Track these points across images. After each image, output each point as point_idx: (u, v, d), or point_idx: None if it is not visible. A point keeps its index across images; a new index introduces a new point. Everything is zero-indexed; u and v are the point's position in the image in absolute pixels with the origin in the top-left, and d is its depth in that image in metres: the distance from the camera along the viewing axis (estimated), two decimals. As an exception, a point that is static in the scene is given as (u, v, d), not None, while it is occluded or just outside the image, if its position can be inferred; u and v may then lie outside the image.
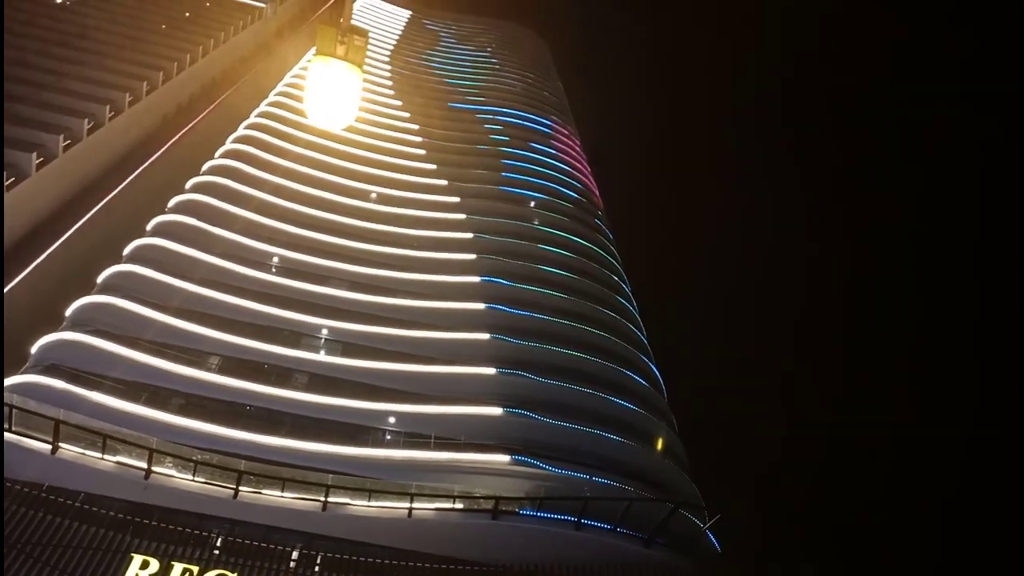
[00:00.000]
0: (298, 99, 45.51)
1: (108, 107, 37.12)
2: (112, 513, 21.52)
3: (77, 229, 32.75)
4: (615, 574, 22.71)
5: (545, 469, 26.83)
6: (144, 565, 20.20)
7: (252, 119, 44.71)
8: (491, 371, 30.48)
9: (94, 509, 21.45)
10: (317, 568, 21.46)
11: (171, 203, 35.49)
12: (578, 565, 22.93)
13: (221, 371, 27.94)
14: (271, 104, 47.09)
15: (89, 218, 33.56)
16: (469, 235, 39.05)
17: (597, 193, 50.55)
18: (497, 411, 28.83)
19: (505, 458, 26.97)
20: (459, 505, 25.17)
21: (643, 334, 37.46)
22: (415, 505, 24.55)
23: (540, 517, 25.18)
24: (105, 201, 34.63)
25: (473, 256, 37.38)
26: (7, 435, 22.29)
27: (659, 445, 30.13)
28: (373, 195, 40.99)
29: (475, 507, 25.15)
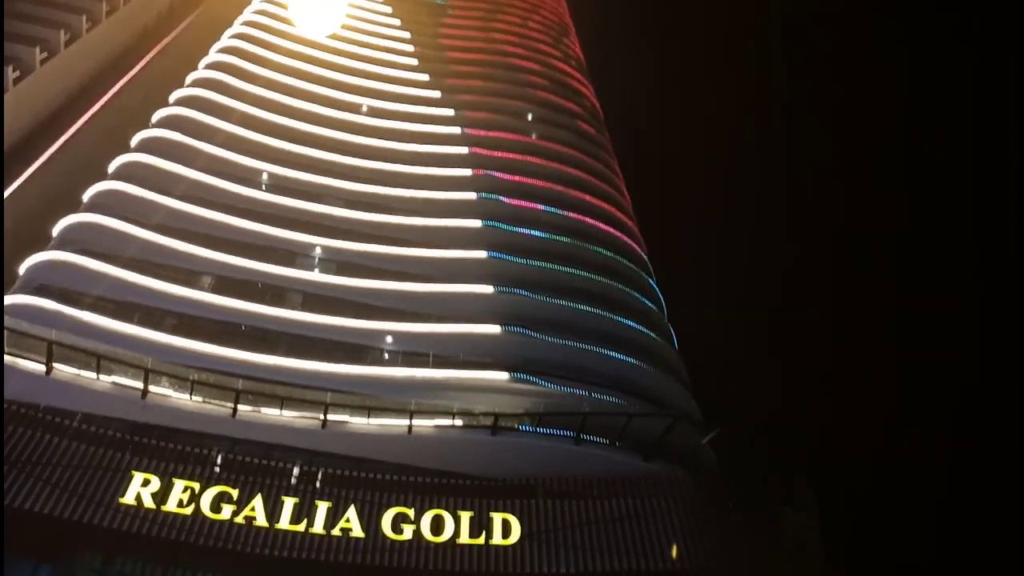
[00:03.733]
0: (284, 6, 43.69)
1: (84, 17, 35.61)
2: (111, 433, 21.42)
3: (60, 146, 31.89)
4: (614, 487, 22.88)
5: (544, 386, 26.86)
6: (145, 483, 20.24)
7: (237, 28, 43.03)
8: (489, 289, 30.19)
9: (92, 429, 21.33)
10: (318, 484, 21.57)
11: (155, 118, 34.42)
12: (577, 479, 23.08)
13: (214, 290, 27.56)
14: (257, 12, 45.21)
15: (72, 134, 32.63)
16: (464, 150, 38.12)
17: (599, 106, 49.15)
18: (496, 329, 28.65)
19: (504, 375, 26.93)
20: (458, 422, 25.24)
21: (644, 251, 37.06)
22: (415, 422, 24.59)
23: (539, 433, 25.32)
24: (87, 116, 33.60)
25: (469, 172, 36.54)
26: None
27: (659, 362, 30.09)
28: (364, 108, 39.84)
29: (474, 423, 25.23)
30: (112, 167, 31.24)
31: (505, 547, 20.85)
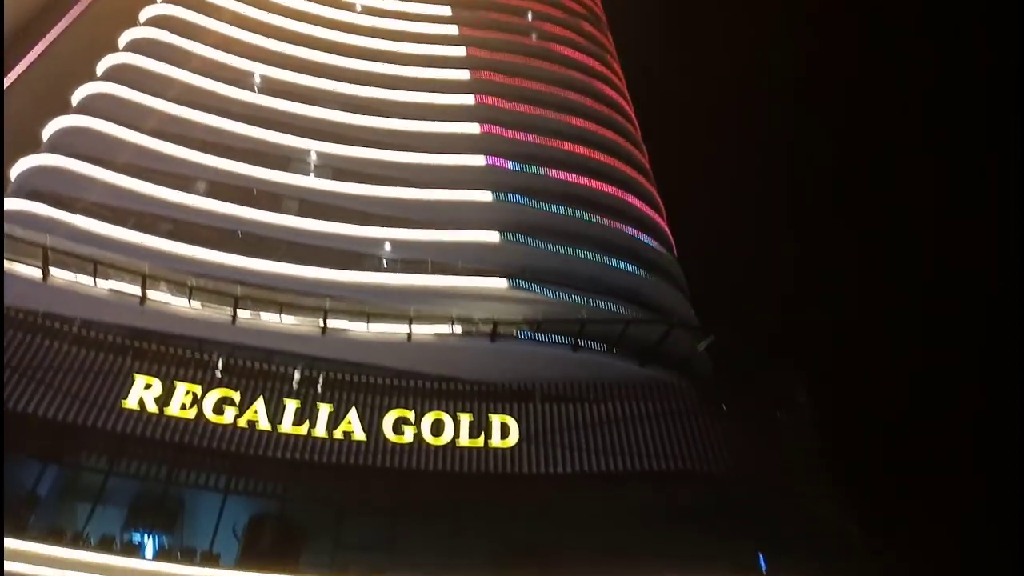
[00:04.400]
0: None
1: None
2: (111, 338, 21.51)
3: (48, 45, 30.99)
4: (610, 392, 23.19)
5: (542, 293, 26.89)
6: (147, 386, 20.45)
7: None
8: (488, 196, 29.87)
9: (92, 334, 21.41)
10: (319, 388, 21.80)
11: (144, 16, 33.33)
12: (574, 383, 23.36)
13: (209, 196, 27.26)
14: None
15: (60, 33, 31.67)
16: (463, 51, 37.05)
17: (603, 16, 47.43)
18: (494, 236, 28.49)
19: (502, 283, 26.93)
20: (457, 329, 25.39)
21: (644, 155, 36.50)
22: (414, 329, 24.72)
23: (537, 340, 25.50)
24: (75, 13, 32.54)
25: (467, 75, 35.60)
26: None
27: (657, 269, 30.05)
28: (358, 7, 38.54)
29: (473, 331, 25.39)
30: (101, 68, 30.44)
31: (503, 449, 21.26)
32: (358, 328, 24.76)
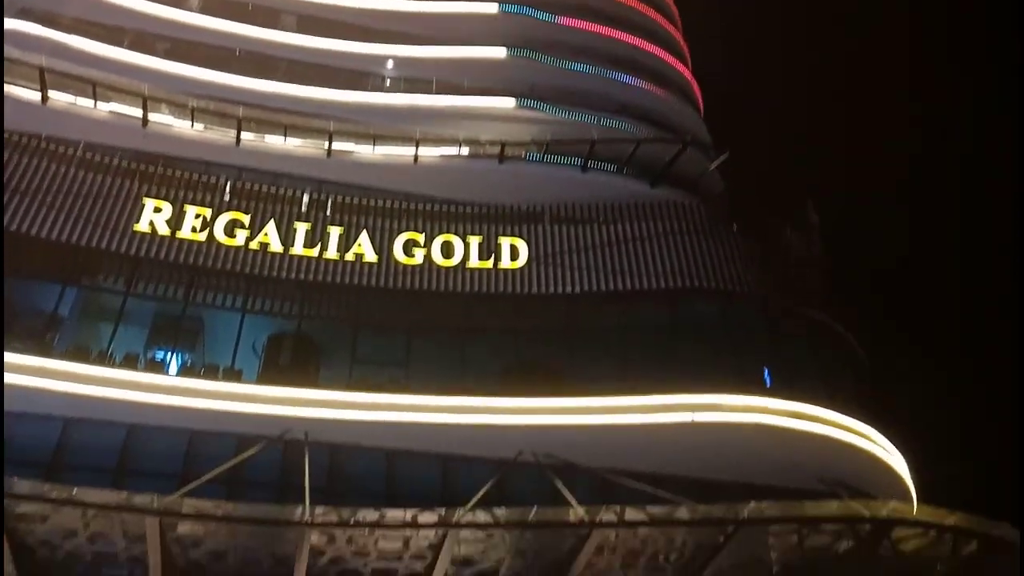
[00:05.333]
0: None
1: None
2: (116, 162, 21.31)
3: None
4: (619, 212, 23.12)
5: (551, 112, 26.21)
6: (157, 210, 20.51)
7: None
8: (493, 8, 28.47)
9: (97, 158, 21.18)
10: (328, 211, 21.80)
11: None
12: (583, 205, 23.25)
13: (203, 12, 26.09)
14: None
15: None
16: None
17: None
18: (501, 52, 27.41)
19: (510, 102, 26.20)
20: (464, 150, 24.99)
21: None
22: (420, 151, 24.35)
23: (546, 161, 25.13)
24: None
25: None
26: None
27: (670, 84, 29.08)
28: None
29: (481, 152, 25.00)
30: None
31: (513, 270, 21.51)
32: (364, 150, 24.41)
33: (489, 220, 22.46)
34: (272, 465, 17.44)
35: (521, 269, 21.51)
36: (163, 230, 20.20)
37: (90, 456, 16.75)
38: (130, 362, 18.21)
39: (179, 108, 23.37)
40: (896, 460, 20.27)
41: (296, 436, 17.44)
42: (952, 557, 15.95)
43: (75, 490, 13.79)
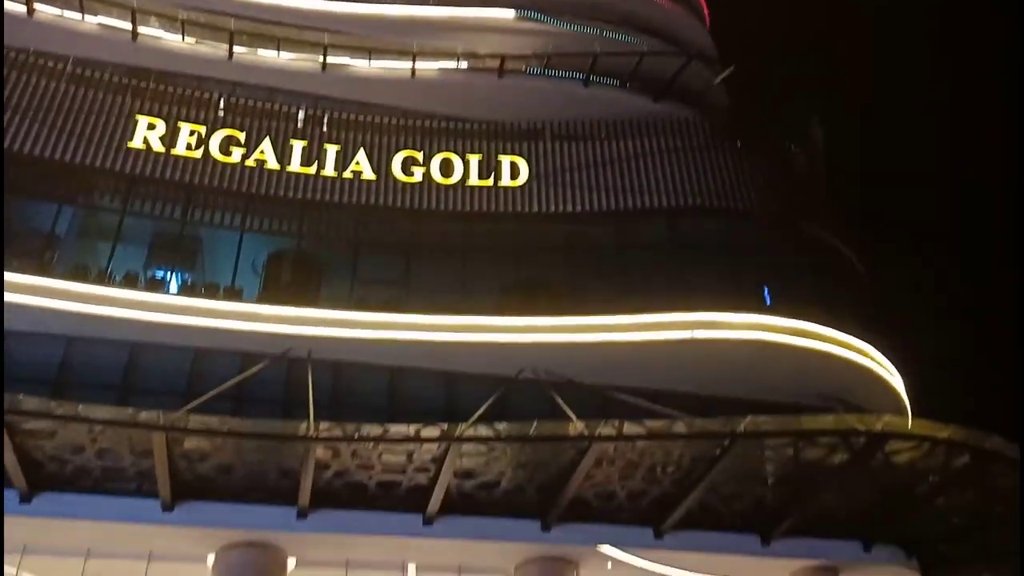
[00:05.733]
0: None
1: None
2: (107, 77, 20.82)
3: None
4: (622, 129, 22.76)
5: (552, 24, 25.51)
6: (151, 126, 20.16)
7: None
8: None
9: (87, 73, 20.69)
10: (324, 128, 21.43)
11: None
12: (585, 121, 22.87)
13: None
14: None
15: None
16: None
17: None
18: (499, -40, 26.47)
19: (509, 13, 25.47)
20: (463, 64, 24.43)
21: None
22: (418, 65, 23.82)
23: (547, 75, 24.60)
24: None
25: None
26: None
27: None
28: None
29: (480, 66, 24.44)
30: None
31: (513, 188, 21.30)
32: (360, 64, 23.86)
33: (489, 137, 22.11)
34: (276, 382, 17.66)
35: (521, 188, 21.30)
36: (157, 147, 19.89)
37: (95, 374, 16.92)
38: (130, 281, 18.17)
39: (169, 21, 22.74)
40: (893, 376, 20.52)
41: (299, 354, 17.61)
42: (944, 469, 16.31)
43: (80, 407, 13.95)
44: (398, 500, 16.16)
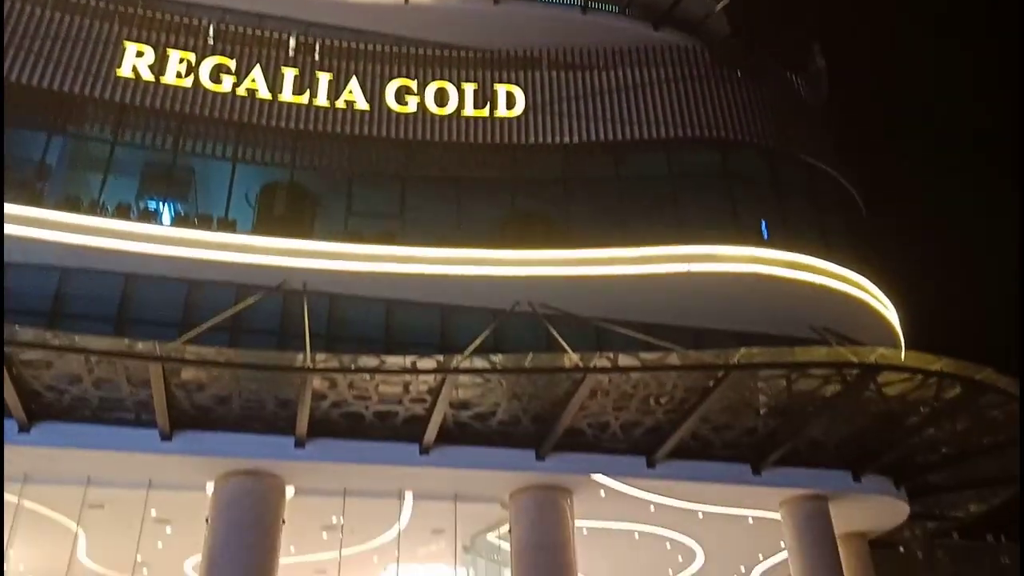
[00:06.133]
0: None
1: None
2: (93, 2, 20.26)
3: None
4: (621, 58, 22.29)
5: (550, -52, 24.72)
6: (139, 54, 19.71)
7: None
8: None
9: (72, -2, 20.13)
10: (316, 56, 20.97)
11: None
12: (583, 49, 22.38)
13: None
14: None
15: None
16: None
17: None
18: None
19: (506, -64, 24.66)
20: (459, -12, 23.78)
21: None
22: (412, -10, 23.20)
23: (544, 1, 23.97)
24: None
25: None
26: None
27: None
28: None
29: (476, -9, 23.79)
30: None
31: (509, 119, 20.95)
32: (353, -12, 23.23)
33: (484, 66, 21.66)
34: (272, 314, 17.69)
35: (518, 118, 20.96)
36: (147, 76, 19.48)
37: (90, 305, 16.90)
38: (122, 212, 18.00)
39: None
40: (888, 310, 20.58)
41: (294, 286, 17.58)
42: (935, 400, 16.50)
43: (77, 337, 13.97)
44: (395, 430, 16.36)
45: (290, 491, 16.55)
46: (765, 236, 20.16)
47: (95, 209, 17.85)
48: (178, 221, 18.69)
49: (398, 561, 17.96)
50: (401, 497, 17.47)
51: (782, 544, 18.95)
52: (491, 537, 18.97)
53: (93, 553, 18.89)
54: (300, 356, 14.67)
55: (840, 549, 18.37)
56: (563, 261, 18.70)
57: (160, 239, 17.48)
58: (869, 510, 19.23)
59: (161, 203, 19.04)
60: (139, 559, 17.35)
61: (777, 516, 18.59)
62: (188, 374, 14.91)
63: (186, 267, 17.45)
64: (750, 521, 19.19)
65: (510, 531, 17.27)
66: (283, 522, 16.12)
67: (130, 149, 19.35)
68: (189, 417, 15.59)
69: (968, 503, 22.76)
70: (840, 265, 19.61)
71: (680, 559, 21.73)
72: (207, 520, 15.76)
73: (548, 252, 18.75)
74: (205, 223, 18.35)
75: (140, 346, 14.02)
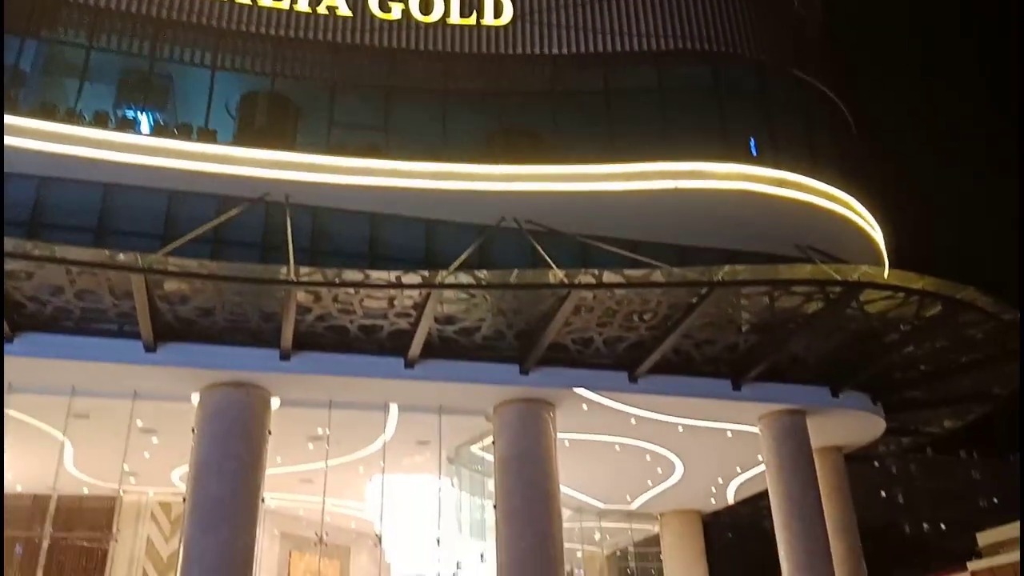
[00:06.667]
0: None
1: None
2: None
3: None
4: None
5: None
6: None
7: None
8: None
9: None
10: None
11: None
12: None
13: None
14: None
15: None
16: None
17: None
18: None
19: None
20: None
21: None
22: None
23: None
24: None
25: None
26: None
27: None
28: None
29: None
30: None
31: (497, 27, 20.36)
32: None
33: (472, -30, 20.92)
34: (255, 226, 17.48)
35: (505, 27, 20.38)
36: (122, -23, 18.73)
37: (70, 216, 16.60)
38: (100, 120, 17.54)
39: None
40: (874, 230, 20.58)
41: (276, 199, 17.35)
42: (916, 318, 16.67)
43: (57, 248, 13.82)
44: (380, 344, 16.44)
45: (275, 403, 16.71)
46: (754, 153, 19.93)
47: (72, 117, 17.38)
48: (157, 130, 18.25)
49: (383, 471, 18.30)
50: (386, 409, 17.70)
51: (759, 457, 19.42)
52: (475, 449, 19.32)
53: (80, 463, 19.17)
54: (284, 269, 14.59)
55: (816, 462, 18.84)
56: (550, 177, 18.48)
57: (139, 149, 17.11)
58: (846, 425, 19.66)
59: (139, 112, 18.56)
60: (126, 468, 17.61)
61: (756, 430, 18.97)
62: (171, 286, 14.84)
63: (166, 177, 17.11)
64: (729, 435, 19.59)
65: (493, 443, 17.59)
66: (269, 433, 16.34)
67: (106, 55, 18.73)
68: (173, 329, 15.59)
69: (943, 419, 23.28)
70: (828, 183, 19.49)
71: (659, 471, 22.28)
72: (193, 431, 15.95)
73: (535, 167, 18.50)
74: (185, 133, 17.95)
75: (122, 257, 13.90)
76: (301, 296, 14.96)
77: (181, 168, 17.07)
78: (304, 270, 14.62)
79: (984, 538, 42.06)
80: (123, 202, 17.15)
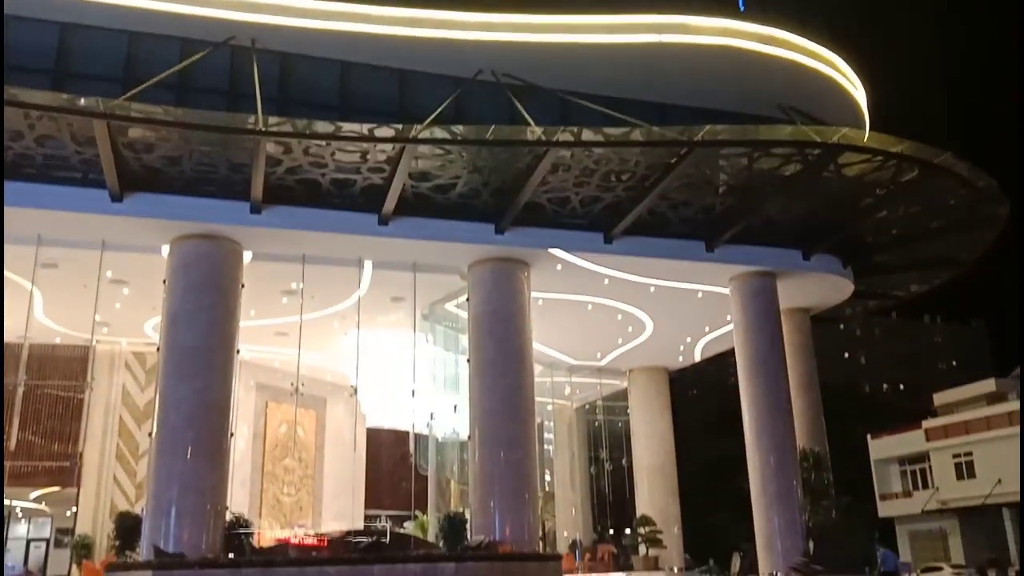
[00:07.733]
0: None
1: None
2: None
3: None
4: None
5: None
6: None
7: None
8: None
9: None
10: None
11: None
12: None
13: None
14: None
15: None
16: None
17: None
18: None
19: None
20: None
21: None
22: None
23: None
24: None
25: None
26: None
27: None
28: None
29: None
30: None
31: None
32: None
33: None
34: (221, 72, 16.78)
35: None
36: None
37: (23, 56, 15.65)
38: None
39: None
40: (857, 90, 20.22)
41: (243, 43, 16.54)
42: (892, 182, 16.63)
43: (15, 90, 13.16)
44: (352, 199, 16.17)
45: (247, 256, 16.56)
46: (741, 8, 19.18)
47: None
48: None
49: (359, 326, 18.41)
50: (360, 265, 17.63)
51: (728, 317, 19.78)
52: (449, 306, 19.47)
53: (51, 312, 19.11)
54: (251, 118, 14.10)
55: (783, 323, 19.26)
56: (529, 27, 17.72)
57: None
58: (815, 287, 19.97)
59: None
60: (98, 319, 17.55)
61: (726, 291, 19.24)
62: (135, 133, 14.33)
63: (125, 16, 16.12)
64: (699, 295, 19.87)
65: (467, 300, 17.71)
66: (242, 286, 16.28)
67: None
68: (139, 178, 15.17)
69: (910, 284, 23.71)
70: (815, 42, 18.94)
71: (630, 329, 22.71)
72: (164, 282, 15.84)
73: (514, 16, 17.67)
74: None
75: (83, 102, 13.32)
76: (271, 147, 14.53)
77: (141, 6, 16.08)
78: (273, 120, 14.15)
79: (940, 398, 44.04)
80: (81, 43, 16.25)
